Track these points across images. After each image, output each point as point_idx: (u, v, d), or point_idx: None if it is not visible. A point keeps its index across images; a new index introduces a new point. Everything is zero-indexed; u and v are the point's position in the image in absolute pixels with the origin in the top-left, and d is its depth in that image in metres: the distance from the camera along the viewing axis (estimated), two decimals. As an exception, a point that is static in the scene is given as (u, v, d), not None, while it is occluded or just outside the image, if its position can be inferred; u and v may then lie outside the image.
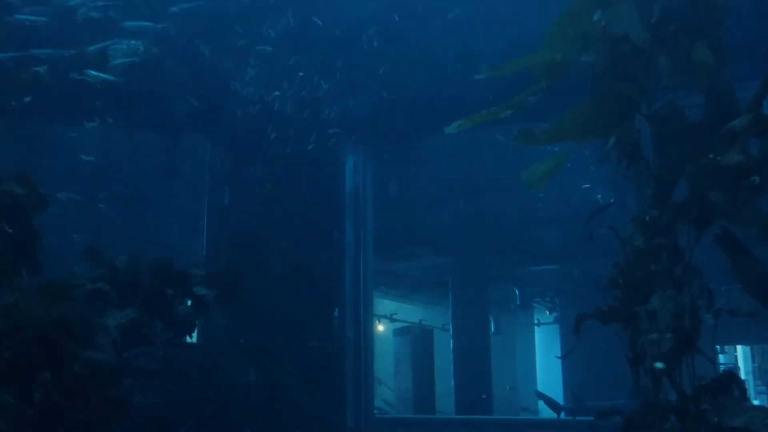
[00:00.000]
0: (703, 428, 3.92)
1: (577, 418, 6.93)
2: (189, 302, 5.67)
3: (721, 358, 27.22)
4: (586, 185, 11.01)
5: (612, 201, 4.72)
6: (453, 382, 13.61)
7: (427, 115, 8.00)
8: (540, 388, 21.46)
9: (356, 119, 8.29)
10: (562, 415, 9.44)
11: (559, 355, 20.56)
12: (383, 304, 20.25)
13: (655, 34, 4.17)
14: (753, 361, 31.78)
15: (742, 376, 29.66)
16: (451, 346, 13.75)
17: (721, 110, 4.05)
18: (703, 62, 4.18)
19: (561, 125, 4.57)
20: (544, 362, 21.33)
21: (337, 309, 8.14)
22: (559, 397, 20.42)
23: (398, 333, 18.21)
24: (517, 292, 17.38)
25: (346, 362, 8.05)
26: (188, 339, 5.92)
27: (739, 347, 29.67)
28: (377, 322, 19.43)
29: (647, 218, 4.27)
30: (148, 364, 5.30)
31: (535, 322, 21.47)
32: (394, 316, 19.85)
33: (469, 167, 11.34)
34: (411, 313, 20.90)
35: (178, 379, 5.40)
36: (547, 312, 20.57)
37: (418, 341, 17.31)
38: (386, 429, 7.97)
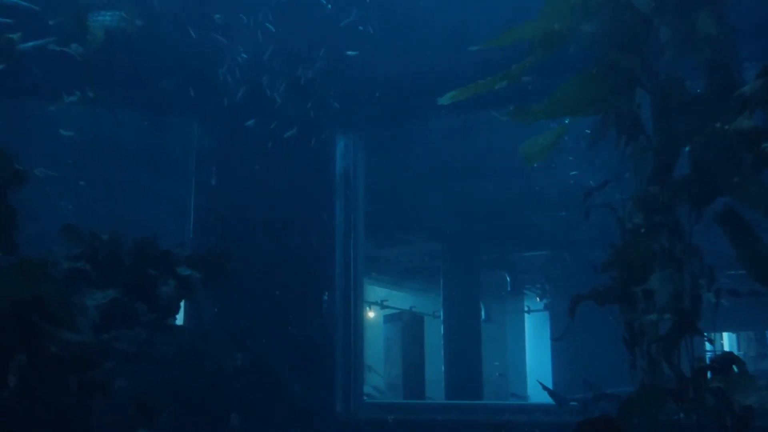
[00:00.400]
0: (702, 410, 3.77)
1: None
2: (173, 283, 5.45)
3: (708, 345, 27.18)
4: (573, 172, 10.84)
5: (609, 180, 4.53)
6: (443, 369, 13.47)
7: (421, 96, 7.81)
8: (529, 374, 21.43)
9: (347, 99, 8.09)
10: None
11: (548, 342, 20.51)
12: (374, 291, 20.13)
13: (659, 2, 3.98)
14: (738, 349, 31.84)
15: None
16: (442, 332, 13.60)
17: (725, 83, 3.87)
18: (707, 33, 4.01)
19: (557, 100, 4.37)
20: (534, 349, 21.26)
21: (326, 293, 7.96)
22: (548, 383, 20.41)
23: (389, 319, 18.08)
24: (508, 279, 17.25)
25: (335, 347, 7.88)
26: (173, 321, 5.71)
27: (725, 335, 29.67)
28: (367, 308, 19.29)
29: (646, 195, 4.09)
30: (130, 347, 5.11)
31: (525, 309, 21.38)
32: (384, 303, 19.71)
33: (461, 150, 11.15)
34: (401, 300, 20.78)
35: (161, 362, 5.21)
36: (538, 299, 20.48)
37: (408, 328, 17.19)
38: (376, 414, 7.80)
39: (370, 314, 19.22)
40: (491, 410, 7.78)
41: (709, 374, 3.77)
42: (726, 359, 3.72)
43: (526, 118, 4.55)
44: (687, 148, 4.17)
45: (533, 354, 21.25)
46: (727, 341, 30.51)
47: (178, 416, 4.92)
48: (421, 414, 7.75)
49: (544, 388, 7.71)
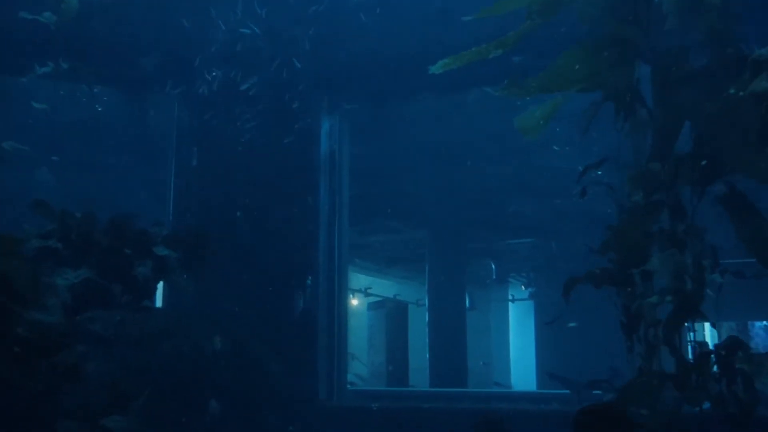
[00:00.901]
0: (705, 397, 3.58)
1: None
2: (150, 264, 5.19)
3: (690, 335, 27.18)
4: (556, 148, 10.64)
5: (606, 158, 4.32)
6: (427, 357, 13.28)
7: (408, 76, 7.58)
8: (513, 363, 21.32)
9: (333, 78, 7.84)
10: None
11: (533, 331, 20.40)
12: (357, 279, 19.91)
13: (661, -33, 3.77)
14: (719, 340, 31.84)
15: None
16: (427, 320, 13.39)
17: (732, 53, 3.67)
18: (712, 1, 3.80)
19: (554, 73, 4.16)
20: (518, 338, 21.13)
21: (310, 277, 7.72)
22: (531, 373, 20.28)
23: (373, 307, 17.87)
24: (493, 267, 17.07)
25: (318, 332, 7.64)
26: (149, 303, 5.46)
27: (707, 325, 29.62)
28: (351, 296, 19.07)
29: (647, 172, 3.88)
30: (103, 329, 4.85)
31: (510, 297, 21.23)
32: (368, 291, 19.50)
33: (447, 135, 10.92)
34: (385, 288, 20.58)
35: (137, 345, 4.96)
36: (523, 287, 20.33)
37: (392, 315, 16.98)
38: (360, 402, 7.59)
39: (354, 302, 18.98)
40: (478, 398, 7.60)
41: (713, 359, 3.58)
42: (732, 344, 3.52)
43: (519, 93, 4.34)
44: (689, 124, 3.98)
45: (517, 343, 21.11)
46: (708, 332, 30.46)
47: (154, 402, 4.68)
48: (406, 402, 7.55)
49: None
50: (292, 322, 7.45)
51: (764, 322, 34.78)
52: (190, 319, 5.65)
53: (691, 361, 3.62)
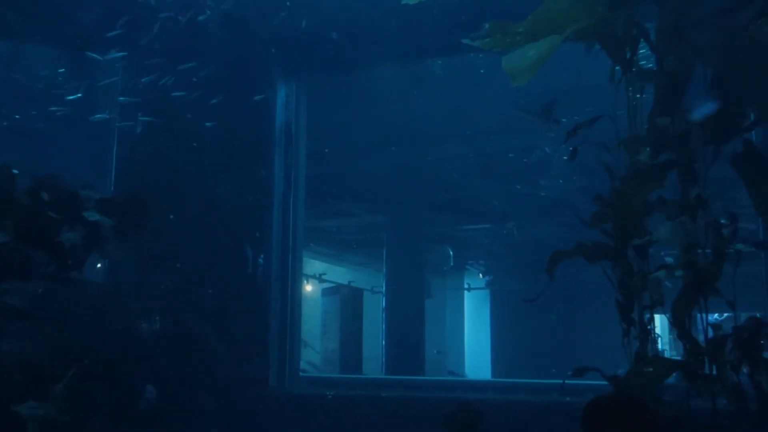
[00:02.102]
0: (720, 389, 3.02)
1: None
2: (80, 230, 4.47)
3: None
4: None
5: (601, 115, 3.74)
6: (383, 344, 12.68)
7: (368, 43, 6.97)
8: (468, 353, 20.87)
9: (290, 44, 7.17)
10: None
11: (488, 320, 20.01)
12: (312, 264, 19.25)
13: None
14: (669, 332, 31.87)
15: (660, 346, 29.70)
16: (383, 306, 12.77)
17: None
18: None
19: (544, 14, 3.57)
20: (473, 327, 20.69)
21: (262, 255, 7.04)
22: (486, 363, 19.87)
23: (327, 293, 17.20)
24: (451, 253, 16.52)
25: (270, 314, 6.98)
26: (78, 275, 4.73)
27: (657, 317, 29.56)
28: (305, 281, 18.39)
29: (654, 128, 3.30)
30: (22, 302, 4.13)
31: (466, 286, 20.75)
32: (323, 276, 18.83)
33: (407, 113, 10.30)
34: (340, 274, 19.94)
35: (61, 321, 4.24)
36: (481, 275, 19.85)
37: (347, 302, 16.33)
38: (313, 389, 6.96)
39: (308, 288, 18.31)
40: (438, 387, 7.01)
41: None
42: (757, 326, 2.97)
43: (503, 41, 3.74)
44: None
45: (472, 332, 20.66)
46: (659, 323, 30.46)
47: (79, 386, 3.99)
48: (362, 390, 6.93)
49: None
50: (242, 303, 6.78)
51: (716, 316, 35.02)
52: (127, 295, 4.94)
53: (704, 346, 3.06)
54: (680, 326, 3.07)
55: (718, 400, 3.00)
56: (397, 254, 12.69)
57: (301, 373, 7.57)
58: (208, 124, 7.01)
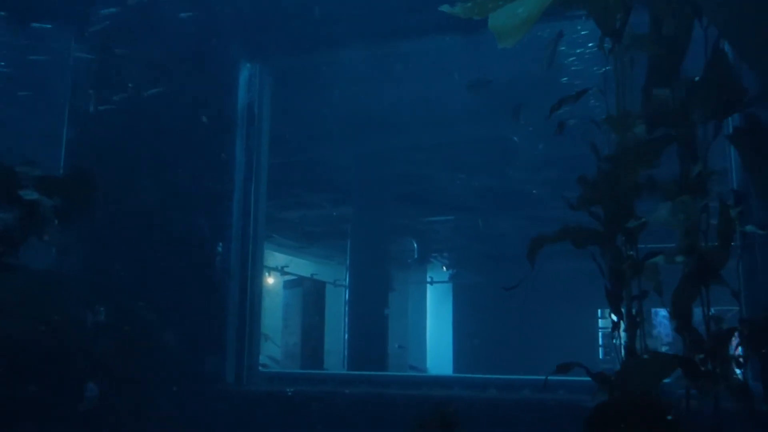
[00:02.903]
0: (724, 388, 2.69)
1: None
2: (15, 210, 4.00)
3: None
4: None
5: (588, 89, 3.39)
6: (346, 338, 12.28)
7: (336, 22, 6.57)
8: (429, 348, 20.57)
9: (253, 23, 6.73)
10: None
11: (450, 315, 19.73)
12: (274, 257, 18.78)
13: None
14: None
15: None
16: (347, 298, 12.36)
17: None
18: None
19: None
20: (435, 321, 20.39)
21: (221, 244, 6.59)
22: (448, 357, 19.59)
23: (289, 285, 16.74)
24: (415, 246, 16.17)
25: (228, 306, 6.53)
26: (13, 260, 4.25)
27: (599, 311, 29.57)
28: (267, 274, 17.92)
29: (653, 99, 2.96)
30: (-55, 289, 3.65)
31: (429, 279, 20.43)
32: (285, 269, 18.35)
33: (372, 100, 9.91)
34: (303, 267, 19.49)
35: (-10, 311, 3.78)
36: (444, 268, 19.54)
37: (309, 294, 15.90)
38: (273, 386, 6.54)
39: (270, 280, 17.84)
40: (404, 383, 6.62)
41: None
42: (764, 319, 2.64)
43: (485, 6, 3.36)
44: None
45: (434, 327, 20.35)
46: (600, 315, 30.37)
47: (7, 383, 3.53)
48: (325, 386, 6.52)
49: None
50: (198, 294, 6.34)
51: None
52: (66, 283, 4.48)
53: (705, 340, 2.72)
54: (681, 318, 2.72)
55: (721, 400, 2.67)
56: (361, 246, 12.29)
57: (261, 369, 7.15)
58: (165, 104, 6.57)
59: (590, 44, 6.74)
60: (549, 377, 5.94)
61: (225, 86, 6.79)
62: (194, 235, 6.41)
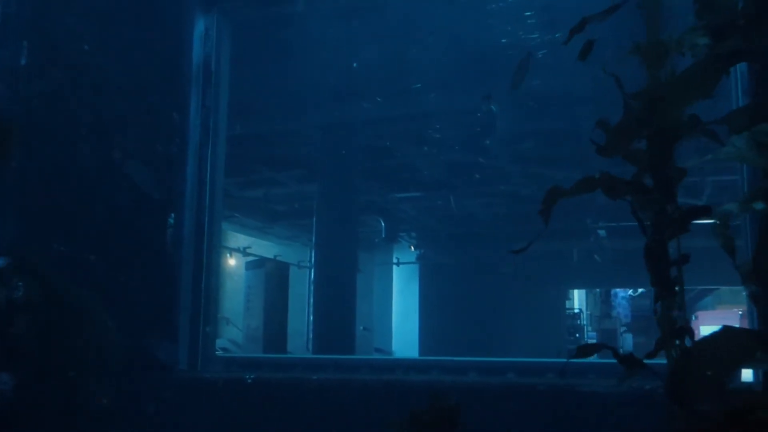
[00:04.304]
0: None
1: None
2: None
3: (567, 303, 26.72)
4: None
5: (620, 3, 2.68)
6: (310, 320, 11.52)
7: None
8: (395, 330, 19.94)
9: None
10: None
11: (416, 296, 19.14)
12: (236, 238, 17.94)
13: None
14: (586, 308, 31.82)
15: (584, 321, 29.48)
16: (312, 279, 11.57)
17: None
18: None
19: None
20: (401, 303, 19.73)
21: (172, 214, 5.78)
22: (414, 340, 18.96)
23: (251, 266, 15.88)
24: (383, 224, 15.44)
25: (181, 284, 5.75)
26: None
27: (575, 293, 29.32)
28: (228, 255, 17.06)
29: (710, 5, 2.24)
30: None
31: (395, 260, 19.74)
32: (247, 250, 17.51)
33: (339, 65, 9.11)
34: (266, 249, 18.67)
35: None
36: (412, 248, 18.85)
37: (272, 276, 15.06)
38: (232, 372, 5.77)
39: (231, 262, 16.99)
40: (377, 367, 5.89)
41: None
42: None
43: None
44: None
45: (401, 308, 19.68)
46: (577, 300, 30.30)
47: None
48: (289, 371, 5.77)
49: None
50: (145, 271, 5.53)
51: (629, 292, 35.15)
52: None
53: None
54: (763, 281, 2.03)
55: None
56: (327, 224, 11.50)
57: (221, 352, 6.38)
58: (109, 58, 5.74)
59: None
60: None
61: (177, 39, 5.98)
62: (139, 204, 5.60)
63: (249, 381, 5.22)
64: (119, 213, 5.53)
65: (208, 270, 5.98)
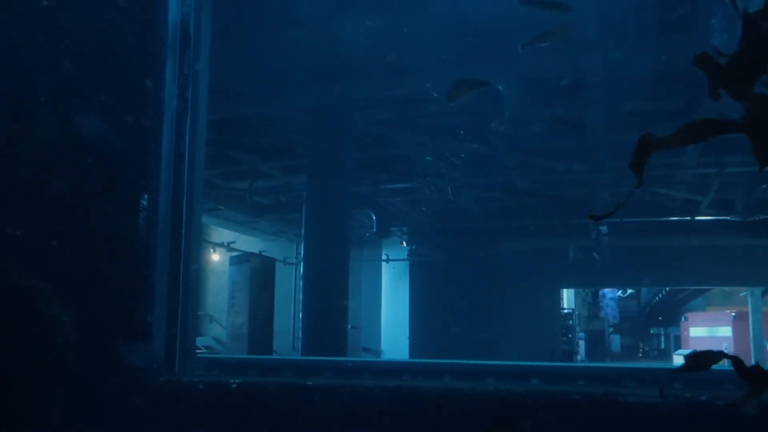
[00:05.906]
0: None
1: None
2: None
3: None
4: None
5: None
6: (300, 317, 10.74)
7: None
8: (384, 329, 19.21)
9: None
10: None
11: (407, 294, 18.45)
12: (220, 233, 17.14)
13: None
14: (574, 308, 31.31)
15: (575, 321, 28.94)
16: (302, 274, 10.78)
17: None
18: None
19: None
20: (391, 301, 18.99)
21: (145, 195, 4.98)
22: (404, 339, 18.23)
23: (235, 261, 15.06)
24: (374, 218, 14.67)
25: (155, 275, 4.96)
26: None
27: (564, 293, 28.76)
28: (212, 250, 16.26)
29: None
30: None
31: (384, 257, 19.00)
32: (231, 245, 16.72)
33: (329, 43, 8.34)
34: (251, 244, 17.89)
35: None
36: (403, 243, 18.10)
37: (258, 271, 14.23)
38: (214, 375, 5.00)
39: (215, 257, 16.17)
40: (379, 372, 5.13)
41: None
42: None
43: None
44: None
45: (390, 306, 18.92)
46: (566, 300, 29.81)
47: None
48: (279, 376, 5.01)
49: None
50: (114, 260, 4.76)
51: (618, 293, 34.58)
52: None
53: None
54: None
55: None
56: (317, 217, 10.71)
57: (204, 351, 5.59)
58: (72, 18, 4.96)
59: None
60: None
61: (151, -2, 5.20)
62: (109, 184, 4.81)
63: (234, 386, 4.44)
64: (83, 193, 4.74)
65: (186, 258, 5.18)
